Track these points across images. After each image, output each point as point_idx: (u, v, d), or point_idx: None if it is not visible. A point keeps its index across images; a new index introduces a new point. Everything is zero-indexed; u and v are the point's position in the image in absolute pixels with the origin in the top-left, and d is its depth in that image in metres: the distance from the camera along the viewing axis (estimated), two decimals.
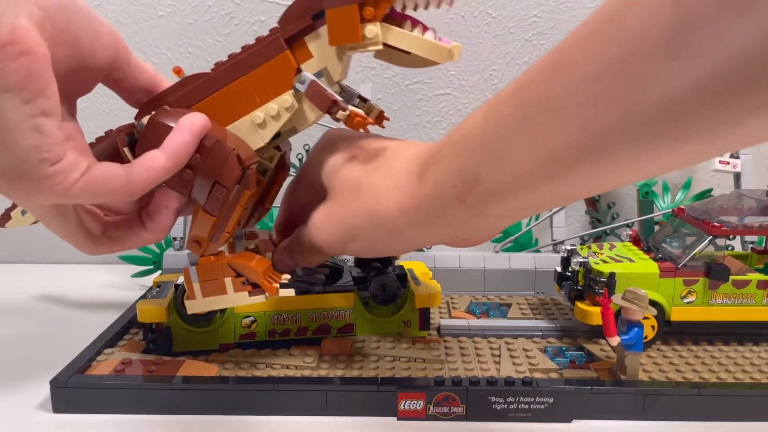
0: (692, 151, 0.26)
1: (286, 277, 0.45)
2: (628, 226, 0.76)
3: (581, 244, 0.73)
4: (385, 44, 0.40)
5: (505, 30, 0.86)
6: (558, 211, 0.74)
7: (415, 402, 0.45)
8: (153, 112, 0.40)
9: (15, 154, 0.32)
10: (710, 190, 0.84)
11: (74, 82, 0.36)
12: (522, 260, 0.70)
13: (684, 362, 0.52)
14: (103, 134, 0.42)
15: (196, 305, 0.46)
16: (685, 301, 0.55)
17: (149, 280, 0.70)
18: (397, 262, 0.61)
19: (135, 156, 0.40)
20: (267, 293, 0.44)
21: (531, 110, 0.29)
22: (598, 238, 0.82)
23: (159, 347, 0.53)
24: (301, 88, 0.40)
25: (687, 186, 0.84)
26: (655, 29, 0.23)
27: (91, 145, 0.41)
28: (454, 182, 0.34)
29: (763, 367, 0.51)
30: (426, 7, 0.39)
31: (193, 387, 0.47)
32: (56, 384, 0.46)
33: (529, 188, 0.31)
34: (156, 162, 0.37)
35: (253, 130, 0.41)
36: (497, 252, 0.74)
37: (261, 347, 0.54)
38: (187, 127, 0.38)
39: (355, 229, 0.40)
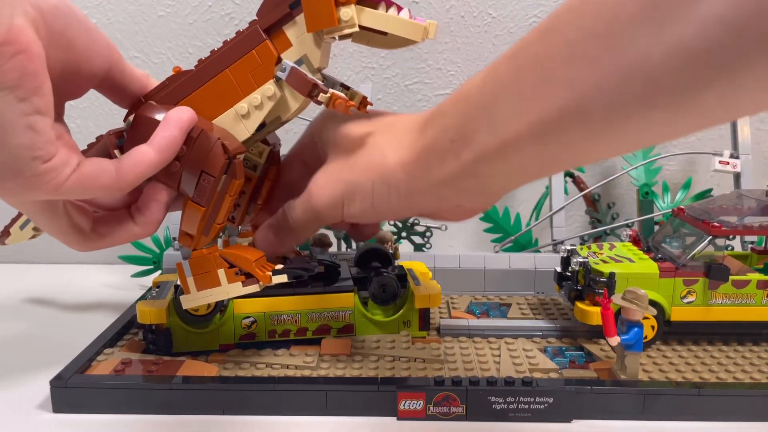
0: (662, 122, 0.27)
1: (278, 267, 0.45)
2: (628, 226, 0.76)
3: (581, 244, 0.73)
4: (361, 27, 0.40)
5: (505, 30, 0.86)
6: (558, 210, 0.74)
7: (415, 402, 0.45)
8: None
9: (8, 151, 0.32)
10: (710, 190, 0.84)
11: (66, 85, 0.37)
12: (522, 260, 0.70)
13: (684, 362, 0.52)
14: (95, 140, 0.42)
15: (190, 300, 0.46)
16: (685, 301, 0.55)
17: (149, 280, 0.70)
18: (397, 262, 0.61)
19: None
20: (261, 282, 0.44)
21: (523, 70, 0.31)
22: (598, 238, 0.82)
23: (159, 348, 0.53)
24: (282, 75, 0.41)
25: (687, 186, 0.84)
26: None
27: (83, 152, 0.42)
28: (452, 137, 0.35)
29: (763, 367, 0.51)
30: None
31: (193, 387, 0.47)
32: (56, 384, 0.46)
33: (516, 149, 0.32)
34: (145, 156, 0.37)
35: (237, 121, 0.42)
36: (497, 252, 0.74)
37: (261, 347, 0.54)
38: (175, 121, 0.39)
39: (356, 186, 0.40)
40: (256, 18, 0.42)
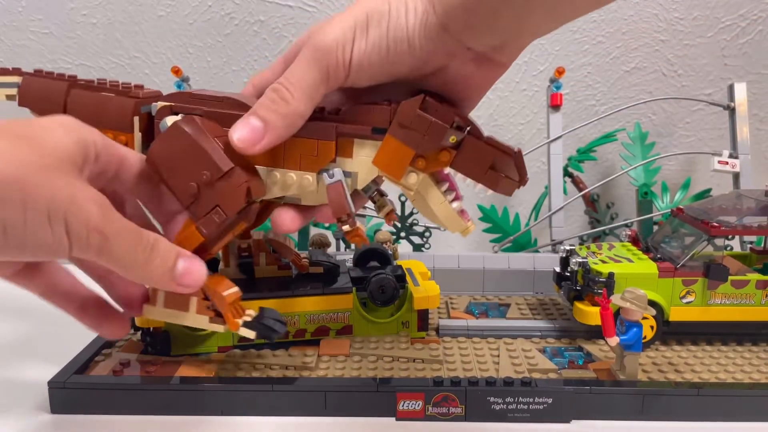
0: None
1: (250, 313, 0.43)
2: (627, 226, 0.76)
3: (580, 244, 0.73)
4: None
5: None
6: (557, 211, 0.74)
7: (414, 402, 0.45)
8: (179, 115, 0.39)
9: None
10: (709, 190, 0.84)
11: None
12: (521, 260, 0.70)
13: (683, 362, 0.52)
14: (66, 77, 0.41)
15: (153, 312, 0.43)
16: (684, 301, 0.55)
17: None
18: (396, 262, 0.61)
19: (144, 136, 0.41)
20: (227, 325, 0.42)
21: None
22: (597, 238, 0.82)
23: (157, 351, 0.52)
24: (327, 180, 0.40)
25: (686, 186, 0.84)
26: None
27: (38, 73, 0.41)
28: None
29: (762, 367, 0.51)
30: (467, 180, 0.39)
31: (191, 388, 0.47)
32: (54, 385, 0.46)
33: None
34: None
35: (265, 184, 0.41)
36: (496, 252, 0.74)
37: (259, 348, 0.54)
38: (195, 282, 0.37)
39: (371, 11, 0.36)
40: (341, 110, 0.40)
